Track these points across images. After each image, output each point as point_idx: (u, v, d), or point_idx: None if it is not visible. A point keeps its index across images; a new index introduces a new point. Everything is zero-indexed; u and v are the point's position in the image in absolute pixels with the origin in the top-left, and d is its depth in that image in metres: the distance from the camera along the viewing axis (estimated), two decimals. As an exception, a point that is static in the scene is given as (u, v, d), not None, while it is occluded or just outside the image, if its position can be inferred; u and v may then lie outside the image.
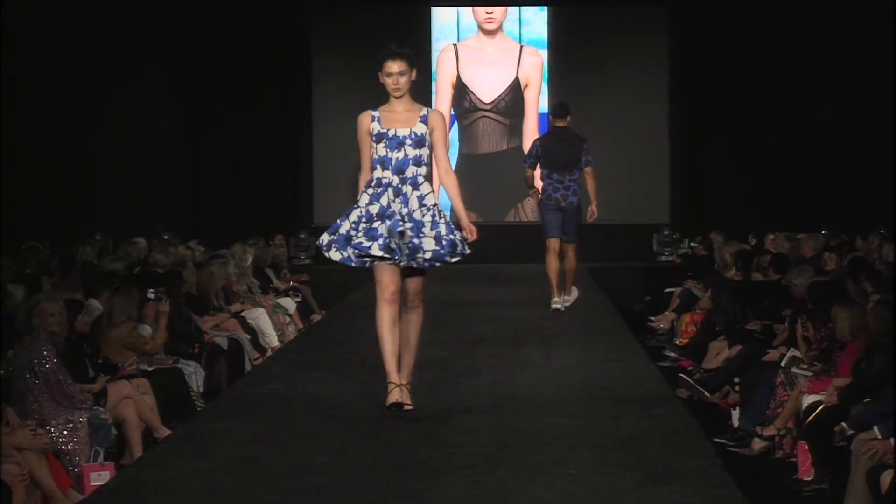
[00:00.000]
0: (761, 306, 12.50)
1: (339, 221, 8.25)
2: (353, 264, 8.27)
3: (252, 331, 13.15)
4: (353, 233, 8.17)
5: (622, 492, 6.71)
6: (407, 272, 8.27)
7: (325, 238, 8.26)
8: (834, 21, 19.46)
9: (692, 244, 18.63)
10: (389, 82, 8.21)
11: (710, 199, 20.64)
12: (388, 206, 8.15)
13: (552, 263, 13.74)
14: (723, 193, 20.57)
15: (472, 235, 8.26)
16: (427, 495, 6.52)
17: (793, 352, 10.60)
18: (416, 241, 8.09)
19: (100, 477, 8.43)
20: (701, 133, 20.79)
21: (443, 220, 8.23)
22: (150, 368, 10.48)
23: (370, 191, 8.23)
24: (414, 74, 8.26)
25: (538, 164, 13.86)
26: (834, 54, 19.71)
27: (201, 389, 11.08)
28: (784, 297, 12.04)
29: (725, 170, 20.64)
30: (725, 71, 20.41)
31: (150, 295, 11.13)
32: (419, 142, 8.23)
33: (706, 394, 11.51)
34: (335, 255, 8.22)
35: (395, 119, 8.25)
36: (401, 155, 8.20)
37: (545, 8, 21.34)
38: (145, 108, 20.20)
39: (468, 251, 8.31)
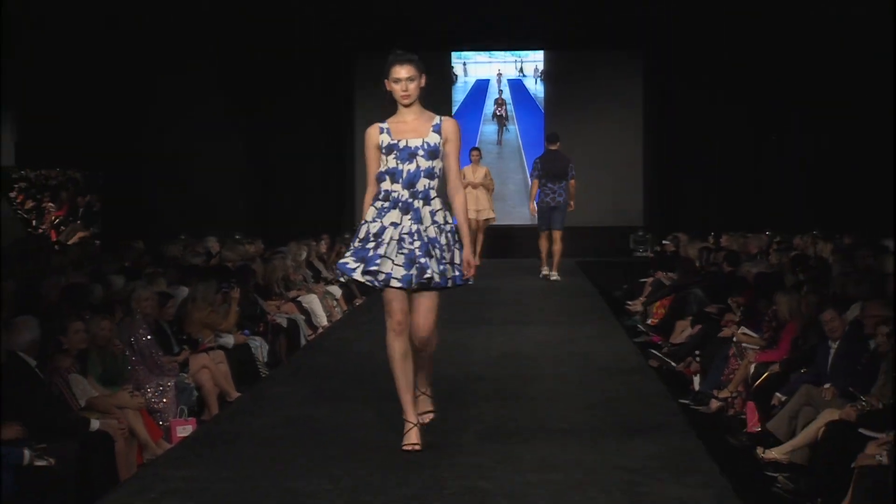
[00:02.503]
0: (719, 294, 12.49)
1: (358, 245, 6.36)
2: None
3: (306, 312, 13.16)
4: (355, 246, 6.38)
5: (606, 443, 6.73)
6: (414, 297, 6.34)
7: (350, 264, 6.33)
8: (778, 59, 19.43)
9: (663, 241, 18.57)
10: (398, 89, 6.34)
11: (676, 206, 20.59)
12: (389, 227, 6.28)
13: (543, 245, 16.08)
14: (687, 201, 20.53)
15: (469, 270, 6.36)
16: (448, 447, 6.55)
17: (743, 329, 10.59)
18: (422, 260, 6.23)
19: (184, 430, 8.45)
20: (668, 153, 20.73)
21: (457, 246, 6.41)
22: (230, 346, 10.47)
23: (378, 204, 6.37)
24: (423, 80, 6.39)
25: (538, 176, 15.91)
26: (780, 88, 19.68)
27: (265, 360, 11.09)
28: (736, 286, 12.02)
29: (689, 182, 20.58)
30: (689, 104, 20.35)
31: (224, 287, 11.14)
32: (432, 153, 6.36)
33: (672, 363, 11.50)
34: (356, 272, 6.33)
35: (405, 129, 6.39)
36: (412, 167, 6.33)
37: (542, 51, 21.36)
38: (224, 134, 20.24)
39: (445, 282, 6.32)
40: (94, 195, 21.69)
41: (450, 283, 6.33)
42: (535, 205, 16.09)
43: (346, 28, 19.80)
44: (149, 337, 9.14)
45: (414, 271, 6.20)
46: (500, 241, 18.43)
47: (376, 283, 6.26)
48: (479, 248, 16.95)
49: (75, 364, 7.97)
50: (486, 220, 17.25)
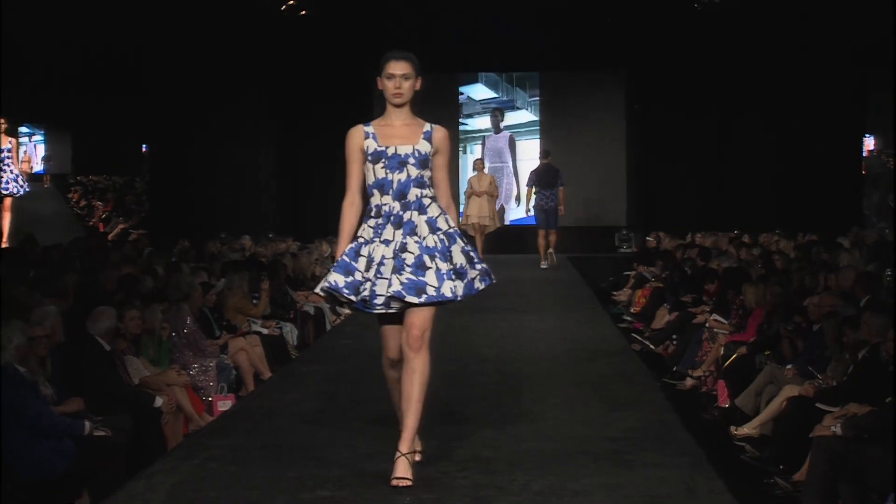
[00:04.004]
0: (695, 283, 12.49)
1: (348, 260, 5.12)
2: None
3: (331, 301, 13.13)
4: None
5: (594, 416, 6.74)
6: (409, 308, 5.11)
7: (339, 280, 5.09)
8: (744, 77, 19.39)
9: (647, 238, 18.55)
10: (390, 86, 5.17)
11: (656, 207, 20.54)
12: (383, 248, 5.07)
13: (541, 241, 17.08)
14: (666, 203, 20.47)
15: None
16: (454, 417, 6.57)
17: (714, 316, 10.58)
18: (419, 278, 5.01)
19: (224, 404, 8.46)
20: (649, 160, 20.68)
21: (458, 246, 5.15)
22: (266, 332, 10.47)
23: (371, 222, 5.17)
24: (419, 84, 5.22)
25: (534, 184, 17.07)
26: (745, 103, 19.66)
27: (295, 343, 11.09)
28: (708, 277, 12.02)
29: (667, 186, 20.52)
30: (666, 116, 20.31)
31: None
32: (423, 161, 5.16)
33: (652, 346, 11.51)
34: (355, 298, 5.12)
35: (393, 134, 5.19)
36: (402, 176, 5.13)
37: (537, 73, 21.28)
38: (257, 146, 20.24)
39: (455, 295, 5.07)
40: (132, 195, 22.49)
41: (459, 296, 5.08)
42: (532, 207, 17.27)
43: (363, 50, 19.78)
44: (193, 325, 9.16)
45: (405, 286, 5.01)
46: (500, 239, 18.42)
47: (370, 310, 5.10)
48: (479, 249, 17.01)
49: (130, 347, 8.01)
50: (485, 225, 17.30)
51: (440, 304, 5.10)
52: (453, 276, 5.08)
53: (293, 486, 5.25)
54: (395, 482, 5.07)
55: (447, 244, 5.14)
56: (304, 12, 18.09)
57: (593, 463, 5.59)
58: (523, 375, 8.16)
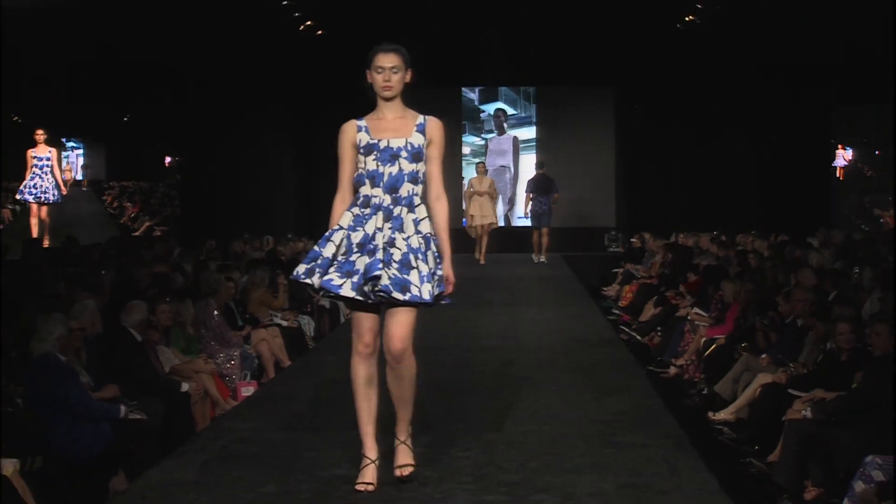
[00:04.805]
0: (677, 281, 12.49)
1: (316, 248, 4.74)
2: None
3: (345, 296, 13.12)
4: (338, 259, 4.66)
5: (586, 401, 6.76)
6: (390, 309, 4.69)
7: (300, 268, 4.77)
8: (723, 84, 19.39)
9: (631, 238, 18.53)
10: (380, 79, 4.72)
11: (643, 210, 20.54)
12: (374, 235, 4.63)
13: (535, 239, 17.59)
14: (652, 206, 20.47)
15: (449, 286, 4.71)
16: (457, 402, 6.58)
17: (695, 310, 10.59)
18: (405, 276, 4.56)
19: (248, 390, 8.47)
20: (636, 167, 20.71)
21: (431, 252, 4.68)
22: (285, 324, 10.48)
23: (356, 210, 4.70)
24: (409, 76, 4.76)
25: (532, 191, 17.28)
26: (725, 113, 19.66)
27: (312, 335, 11.11)
28: (691, 272, 12.02)
29: (653, 190, 20.54)
30: (652, 127, 20.33)
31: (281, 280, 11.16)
32: (416, 155, 4.71)
33: (638, 337, 11.51)
34: (317, 280, 4.68)
35: (385, 127, 4.75)
36: (394, 170, 4.68)
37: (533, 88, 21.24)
38: (278, 154, 20.28)
39: (433, 299, 4.62)
40: (156, 198, 23.19)
41: (432, 300, 4.64)
42: (529, 211, 17.38)
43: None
44: (219, 318, 9.18)
45: (392, 282, 4.57)
46: (500, 239, 18.41)
47: (372, 298, 4.61)
48: (483, 249, 17.02)
49: (162, 338, 8.03)
50: (490, 223, 17.25)
51: (418, 306, 4.66)
52: (431, 280, 4.64)
53: (310, 464, 5.28)
54: (398, 472, 4.86)
55: (426, 247, 4.68)
56: (320, 32, 18.10)
57: (584, 444, 5.62)
58: (521, 364, 8.18)
